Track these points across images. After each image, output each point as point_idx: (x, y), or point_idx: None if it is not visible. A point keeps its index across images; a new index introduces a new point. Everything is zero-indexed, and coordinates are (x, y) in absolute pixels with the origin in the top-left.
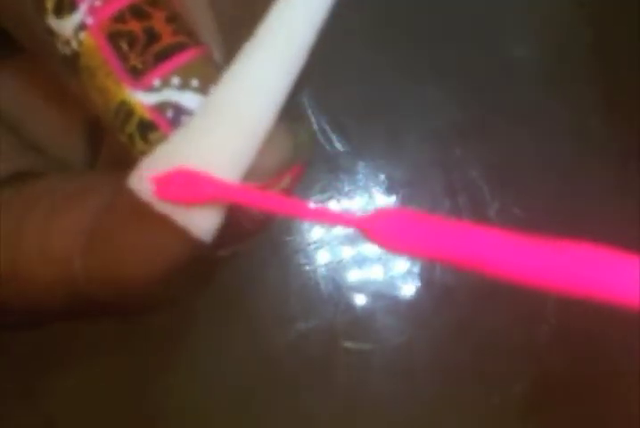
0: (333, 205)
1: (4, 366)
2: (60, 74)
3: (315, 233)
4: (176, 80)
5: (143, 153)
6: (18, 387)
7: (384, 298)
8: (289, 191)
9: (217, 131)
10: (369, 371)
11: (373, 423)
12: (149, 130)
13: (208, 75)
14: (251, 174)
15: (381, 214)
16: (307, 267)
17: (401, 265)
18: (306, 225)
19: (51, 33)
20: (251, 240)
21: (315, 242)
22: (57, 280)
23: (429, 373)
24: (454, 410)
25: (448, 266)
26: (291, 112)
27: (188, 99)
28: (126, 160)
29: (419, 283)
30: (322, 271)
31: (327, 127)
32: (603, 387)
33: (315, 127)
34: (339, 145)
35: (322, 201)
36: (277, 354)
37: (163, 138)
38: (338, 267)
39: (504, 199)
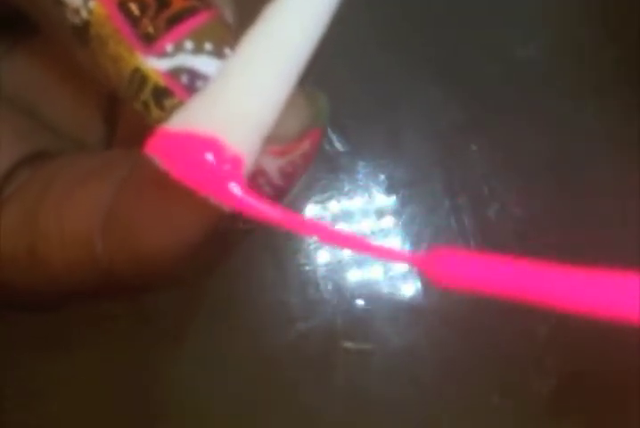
0: (333, 205)
1: (4, 366)
2: (70, 47)
3: None
4: (189, 45)
5: (159, 121)
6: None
7: (384, 298)
8: (308, 156)
9: (236, 96)
10: (369, 371)
11: (373, 423)
12: (164, 97)
13: (221, 38)
14: (271, 139)
15: (438, 252)
16: (307, 267)
17: (401, 265)
18: None
19: (59, 2)
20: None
21: (315, 243)
22: (78, 262)
23: (429, 373)
24: (454, 410)
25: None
26: (305, 79)
27: (203, 63)
28: (143, 137)
29: (419, 284)
30: (322, 271)
31: (327, 127)
32: (604, 387)
33: None
34: (339, 145)
35: (322, 201)
36: (277, 354)
37: (179, 104)
38: (338, 267)
39: (504, 199)
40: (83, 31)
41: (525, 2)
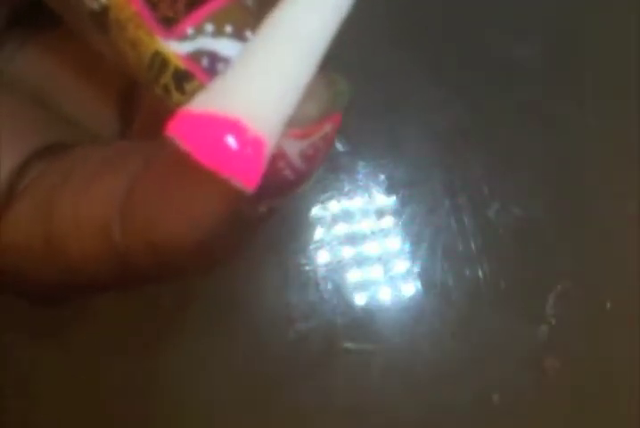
0: (333, 205)
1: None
2: (89, 35)
3: (316, 233)
4: (209, 27)
5: (180, 105)
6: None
7: (384, 298)
8: (329, 139)
9: (259, 79)
10: (369, 371)
11: (373, 423)
12: (184, 80)
13: (242, 20)
14: (292, 122)
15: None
16: (307, 268)
17: (401, 265)
18: (306, 225)
19: None
20: (290, 193)
21: (315, 242)
22: (95, 252)
23: (429, 373)
24: (454, 410)
25: None
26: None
27: (223, 46)
28: (159, 128)
29: (419, 284)
30: (322, 271)
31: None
32: (603, 387)
33: None
34: (339, 145)
35: (322, 201)
36: (277, 354)
37: (199, 88)
38: (338, 267)
39: (504, 199)
40: (102, 16)
41: (525, 2)
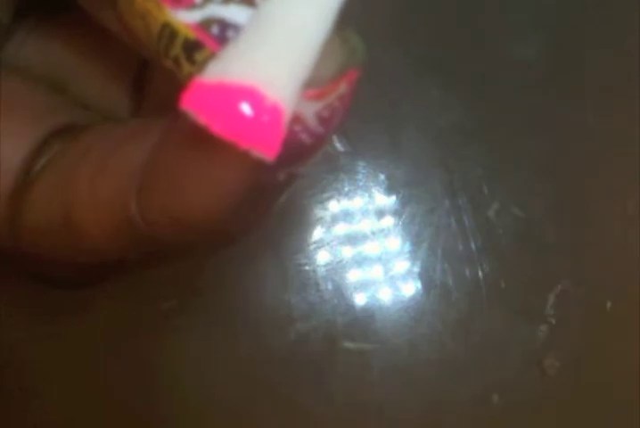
0: (333, 205)
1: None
2: (98, 12)
3: (316, 233)
4: None
5: (191, 77)
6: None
7: (384, 298)
8: (346, 97)
9: (271, 44)
10: (369, 371)
11: (373, 423)
12: (195, 50)
13: None
14: (307, 83)
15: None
16: (307, 267)
17: (401, 265)
18: (306, 225)
19: None
20: (308, 158)
21: (315, 242)
22: (115, 228)
23: (429, 373)
24: (454, 410)
25: None
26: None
27: (233, 12)
28: (171, 107)
29: (419, 283)
30: (322, 271)
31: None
32: (603, 387)
33: None
34: (339, 145)
35: (322, 201)
36: (277, 354)
37: (210, 57)
38: (338, 267)
39: (504, 199)
40: None
41: (527, 1)
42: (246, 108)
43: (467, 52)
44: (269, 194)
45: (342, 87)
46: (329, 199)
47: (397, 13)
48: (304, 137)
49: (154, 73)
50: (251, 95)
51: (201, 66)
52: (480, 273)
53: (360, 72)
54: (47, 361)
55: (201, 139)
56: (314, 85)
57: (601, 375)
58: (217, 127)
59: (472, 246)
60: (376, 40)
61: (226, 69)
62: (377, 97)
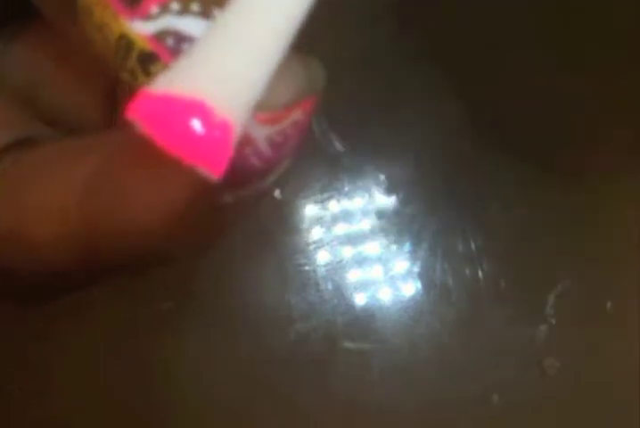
0: (333, 205)
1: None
2: (65, 27)
3: (316, 233)
4: (175, 5)
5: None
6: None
7: (384, 298)
8: (301, 124)
9: (225, 57)
10: (369, 371)
11: (373, 423)
12: (150, 62)
13: None
14: (261, 105)
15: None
16: (307, 267)
17: (401, 265)
18: (306, 225)
19: None
20: (257, 183)
21: (315, 242)
22: (57, 238)
23: (429, 373)
24: (454, 410)
25: None
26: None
27: (189, 25)
28: None
29: (419, 283)
30: (322, 271)
31: (327, 127)
32: (603, 387)
33: (315, 127)
34: (339, 145)
35: (322, 201)
36: (277, 354)
37: (165, 69)
38: (338, 267)
39: (504, 199)
40: (71, 3)
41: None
42: (194, 123)
43: (468, 52)
44: (217, 215)
45: (297, 114)
46: (329, 199)
47: (396, 15)
48: (254, 161)
49: (125, 87)
50: (201, 110)
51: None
52: (480, 273)
53: (317, 101)
54: (47, 361)
55: (146, 150)
56: (267, 109)
57: (601, 375)
58: (163, 141)
59: (472, 246)
60: (377, 40)
61: (176, 81)
62: (377, 97)
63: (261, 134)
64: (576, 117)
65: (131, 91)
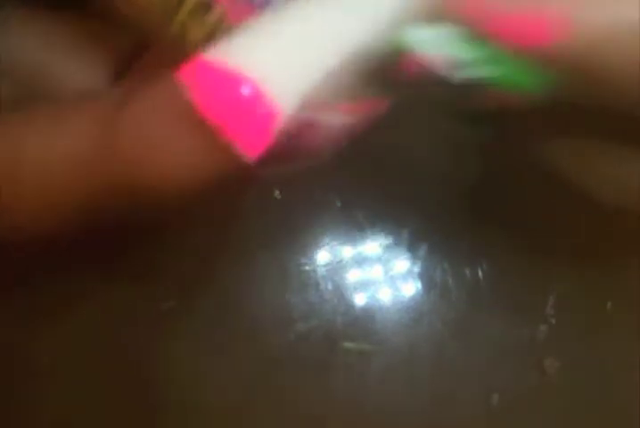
0: (333, 206)
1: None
2: None
3: (316, 233)
4: None
5: (197, 44)
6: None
7: (384, 298)
8: (360, 121)
9: (296, 49)
10: (369, 371)
11: (373, 423)
12: (205, 10)
13: None
14: (345, 98)
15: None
16: (307, 267)
17: (401, 265)
18: (306, 225)
19: None
20: (300, 162)
21: (315, 243)
22: (63, 194)
23: (429, 373)
24: (454, 410)
25: None
26: None
27: None
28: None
29: (419, 283)
30: (322, 271)
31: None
32: (603, 387)
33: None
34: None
35: (322, 203)
36: (277, 354)
37: (220, 20)
38: (338, 267)
39: (504, 199)
40: None
41: None
42: (245, 102)
43: None
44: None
45: (366, 111)
46: (329, 199)
47: None
48: (323, 143)
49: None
50: (254, 92)
51: (209, 28)
52: (480, 273)
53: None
54: (47, 361)
55: (177, 115)
56: (347, 100)
57: (601, 375)
58: (208, 111)
59: (472, 246)
60: None
61: (237, 55)
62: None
63: (338, 122)
64: None
65: (176, 49)
